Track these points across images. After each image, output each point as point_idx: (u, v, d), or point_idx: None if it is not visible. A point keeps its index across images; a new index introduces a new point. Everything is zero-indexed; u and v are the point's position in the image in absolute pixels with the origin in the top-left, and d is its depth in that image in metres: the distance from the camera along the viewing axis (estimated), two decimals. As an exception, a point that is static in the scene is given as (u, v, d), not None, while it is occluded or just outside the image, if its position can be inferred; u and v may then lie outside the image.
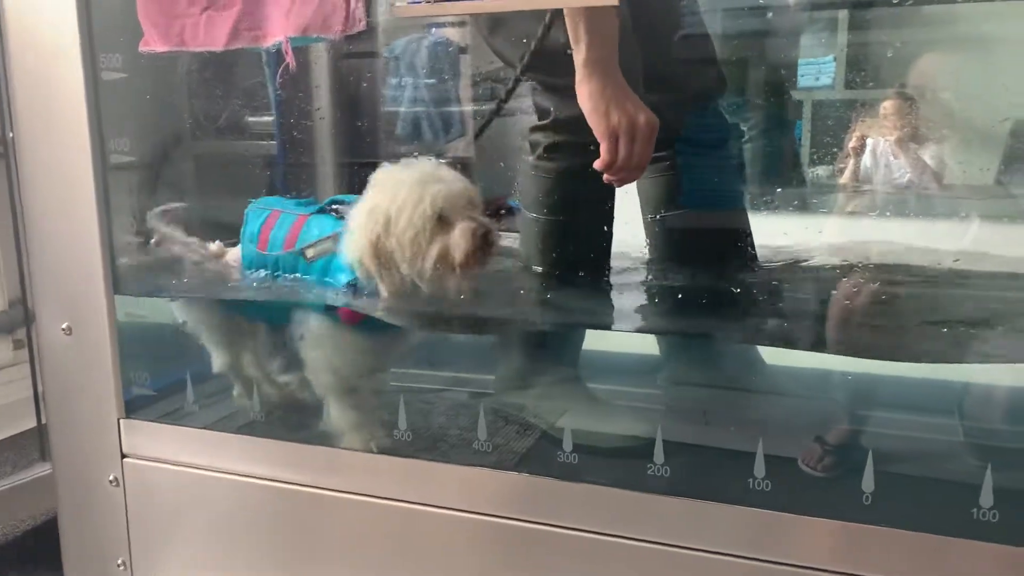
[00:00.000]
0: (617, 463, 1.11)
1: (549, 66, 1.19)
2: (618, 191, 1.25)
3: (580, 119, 1.12)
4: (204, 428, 1.29)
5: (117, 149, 1.26)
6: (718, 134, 1.39)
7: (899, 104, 1.34)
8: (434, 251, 1.11)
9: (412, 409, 1.29)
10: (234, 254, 1.35)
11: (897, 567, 0.93)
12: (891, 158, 1.37)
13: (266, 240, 1.26)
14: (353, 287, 1.18)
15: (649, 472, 1.06)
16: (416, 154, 1.21)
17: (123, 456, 1.30)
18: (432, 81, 1.71)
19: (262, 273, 1.28)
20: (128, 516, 1.31)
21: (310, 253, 1.21)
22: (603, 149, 1.11)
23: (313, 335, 1.23)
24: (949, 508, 0.96)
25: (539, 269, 1.34)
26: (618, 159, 1.11)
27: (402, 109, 1.70)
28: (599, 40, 1.08)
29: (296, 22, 1.15)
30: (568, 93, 1.13)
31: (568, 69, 1.11)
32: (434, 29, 1.76)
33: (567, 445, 1.11)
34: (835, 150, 1.37)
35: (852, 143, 1.37)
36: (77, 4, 1.17)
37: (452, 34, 1.76)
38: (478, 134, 1.34)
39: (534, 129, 1.30)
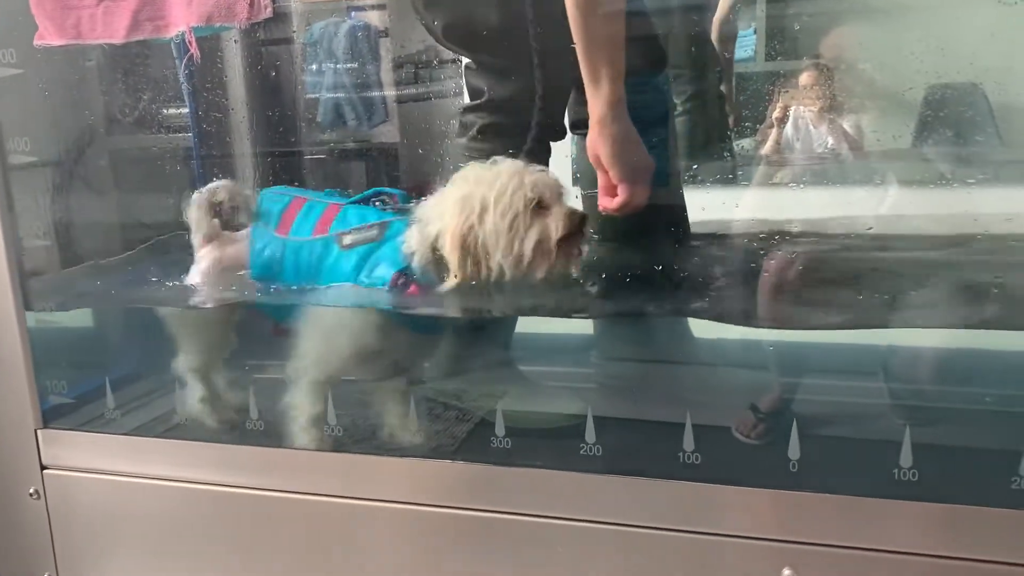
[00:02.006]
0: (550, 445, 1.11)
1: (486, 46, 1.17)
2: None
3: (515, 100, 1.10)
4: (127, 434, 1.25)
5: (17, 149, 1.20)
6: (657, 110, 1.38)
7: (816, 75, 1.36)
8: (533, 234, 1.10)
9: (349, 401, 1.27)
10: (210, 256, 1.23)
11: (825, 531, 0.94)
12: (811, 127, 1.39)
13: (289, 225, 1.17)
14: (403, 278, 1.12)
15: (582, 452, 1.06)
16: (336, 141, 1.18)
17: (43, 468, 1.26)
18: (352, 66, 1.67)
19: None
20: (52, 529, 1.27)
21: (347, 240, 1.14)
22: (622, 190, 1.10)
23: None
24: (872, 470, 0.99)
25: None
26: (633, 200, 1.11)
27: (322, 96, 1.67)
28: (620, 79, 1.06)
29: (199, 11, 1.12)
30: (504, 74, 1.10)
31: (506, 49, 1.08)
32: (353, 13, 1.72)
33: (500, 430, 1.10)
34: (754, 124, 1.38)
35: (776, 114, 1.38)
36: (-37, -3, 1.12)
37: (372, 17, 1.73)
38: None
39: (467, 110, 1.28)
